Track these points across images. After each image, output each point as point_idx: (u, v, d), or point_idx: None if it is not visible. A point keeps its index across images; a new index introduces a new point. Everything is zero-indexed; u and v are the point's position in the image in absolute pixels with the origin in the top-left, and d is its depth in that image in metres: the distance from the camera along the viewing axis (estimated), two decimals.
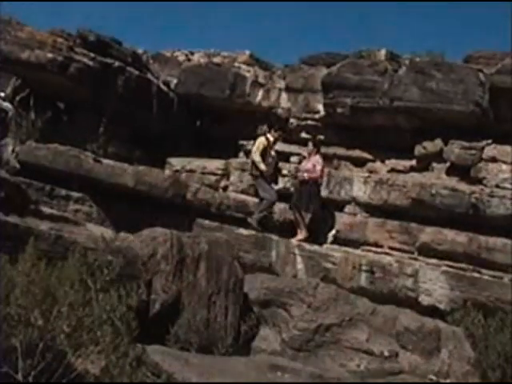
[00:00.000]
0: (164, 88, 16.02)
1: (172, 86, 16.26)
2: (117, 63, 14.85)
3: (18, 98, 14.57)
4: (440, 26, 41.86)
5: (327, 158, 14.25)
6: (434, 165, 13.74)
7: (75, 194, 12.90)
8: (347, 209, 13.91)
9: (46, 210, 10.16)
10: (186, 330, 8.78)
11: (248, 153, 15.57)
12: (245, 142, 15.60)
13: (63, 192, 12.80)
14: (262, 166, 13.73)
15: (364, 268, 12.58)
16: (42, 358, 6.10)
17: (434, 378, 9.52)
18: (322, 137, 14.79)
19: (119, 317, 6.73)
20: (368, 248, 13.32)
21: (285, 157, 15.02)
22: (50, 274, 6.48)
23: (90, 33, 14.85)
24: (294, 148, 15.17)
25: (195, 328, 8.84)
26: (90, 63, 14.31)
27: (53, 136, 13.66)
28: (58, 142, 13.30)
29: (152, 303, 8.55)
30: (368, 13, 39.65)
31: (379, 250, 13.20)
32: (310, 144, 14.18)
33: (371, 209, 13.72)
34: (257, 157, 13.78)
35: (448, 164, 13.51)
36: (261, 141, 13.95)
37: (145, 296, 7.60)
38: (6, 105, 14.59)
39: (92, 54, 14.43)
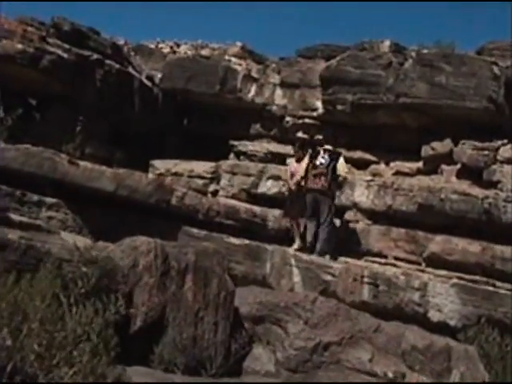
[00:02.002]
0: (147, 83, 16.01)
1: (156, 80, 16.26)
2: (95, 55, 14.82)
3: None
4: (450, 14, 41.99)
5: None
6: (444, 167, 13.73)
7: (49, 200, 12.83)
8: (348, 215, 13.90)
9: (16, 217, 10.05)
10: (170, 349, 8.71)
11: (240, 154, 15.56)
12: (236, 143, 15.60)
13: (35, 197, 12.73)
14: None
15: (367, 280, 12.54)
16: (11, 381, 6.03)
17: None
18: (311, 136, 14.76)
19: (97, 334, 6.65)
20: (371, 258, 13.30)
21: (280, 159, 15.01)
22: (19, 287, 6.41)
23: (64, 21, 14.81)
24: (290, 149, 15.14)
25: (181, 347, 8.78)
26: (65, 55, 14.27)
27: (24, 136, 13.58)
28: (29, 143, 13.23)
29: (133, 319, 8.49)
30: (370, 1, 39.75)
31: (383, 260, 13.18)
32: (297, 146, 14.10)
33: (374, 215, 13.70)
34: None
35: (459, 166, 13.50)
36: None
37: (124, 311, 7.53)
38: None
39: (67, 45, 14.39)
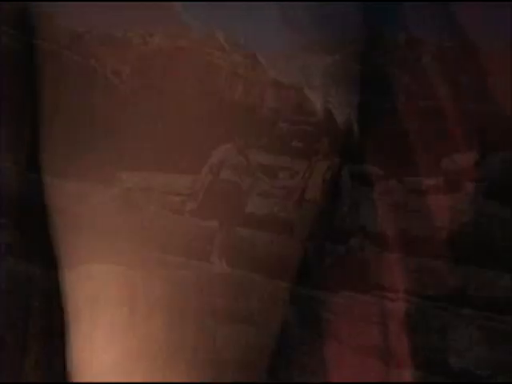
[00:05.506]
0: (113, 79, 15.99)
1: (124, 76, 16.25)
2: (48, 45, 14.79)
3: None
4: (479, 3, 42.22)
5: None
6: (468, 184, 13.75)
7: None
8: (353, 241, 13.90)
9: None
10: None
11: None
12: None
13: None
14: None
15: (375, 319, 12.54)
16: None
17: None
18: None
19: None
20: (380, 293, 13.29)
21: (272, 172, 15.00)
22: None
23: (10, 3, 14.78)
24: (283, 160, 15.15)
25: None
26: (10, 43, 14.23)
27: None
28: None
29: (89, 366, 8.47)
30: None
31: (395, 295, 13.17)
32: None
33: (384, 241, 13.70)
34: None
35: (486, 183, 13.52)
36: None
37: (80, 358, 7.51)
38: None
39: (13, 32, 14.35)
